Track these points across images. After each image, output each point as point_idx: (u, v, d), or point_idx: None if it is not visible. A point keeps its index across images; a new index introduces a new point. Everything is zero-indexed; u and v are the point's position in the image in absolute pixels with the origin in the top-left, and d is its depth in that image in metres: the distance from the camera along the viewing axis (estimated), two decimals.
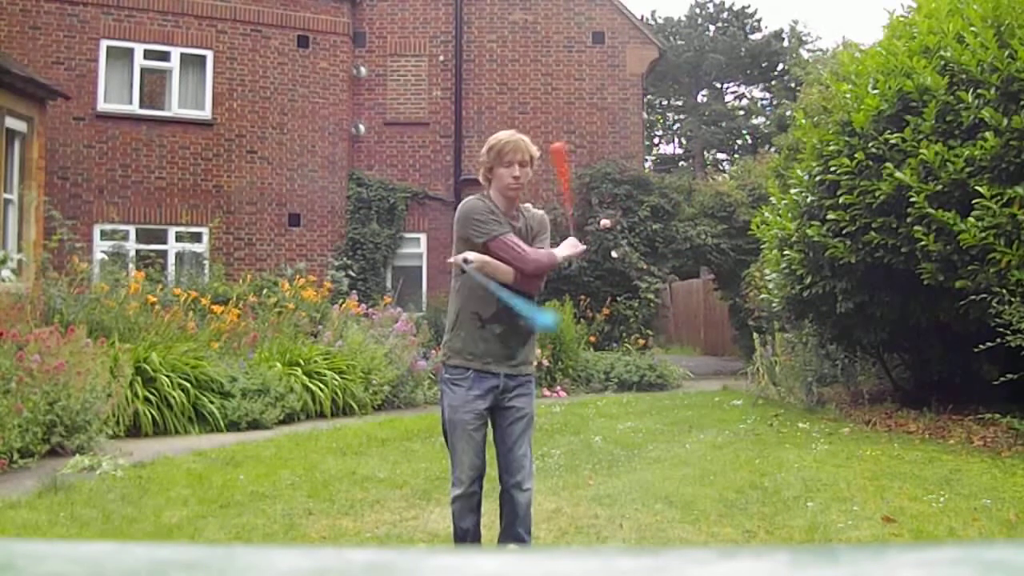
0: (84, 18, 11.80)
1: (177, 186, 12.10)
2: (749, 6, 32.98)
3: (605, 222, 12.72)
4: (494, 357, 3.16)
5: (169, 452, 6.07)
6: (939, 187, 6.38)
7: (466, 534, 3.26)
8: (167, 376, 7.19)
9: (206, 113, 12.31)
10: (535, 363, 3.37)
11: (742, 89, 34.56)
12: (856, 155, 7.06)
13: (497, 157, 3.16)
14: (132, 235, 11.82)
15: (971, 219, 6.12)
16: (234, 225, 12.32)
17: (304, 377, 8.22)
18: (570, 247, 3.33)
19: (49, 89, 10.21)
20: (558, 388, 10.63)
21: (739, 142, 33.49)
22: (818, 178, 7.67)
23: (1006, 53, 6.33)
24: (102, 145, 11.83)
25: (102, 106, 11.84)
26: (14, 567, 0.47)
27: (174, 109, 12.19)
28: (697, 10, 33.32)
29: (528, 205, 3.42)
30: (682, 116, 34.64)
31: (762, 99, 33.49)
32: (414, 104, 13.50)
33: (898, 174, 6.61)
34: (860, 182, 7.02)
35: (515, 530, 3.21)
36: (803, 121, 8.53)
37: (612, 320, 12.63)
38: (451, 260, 3.14)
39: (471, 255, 3.06)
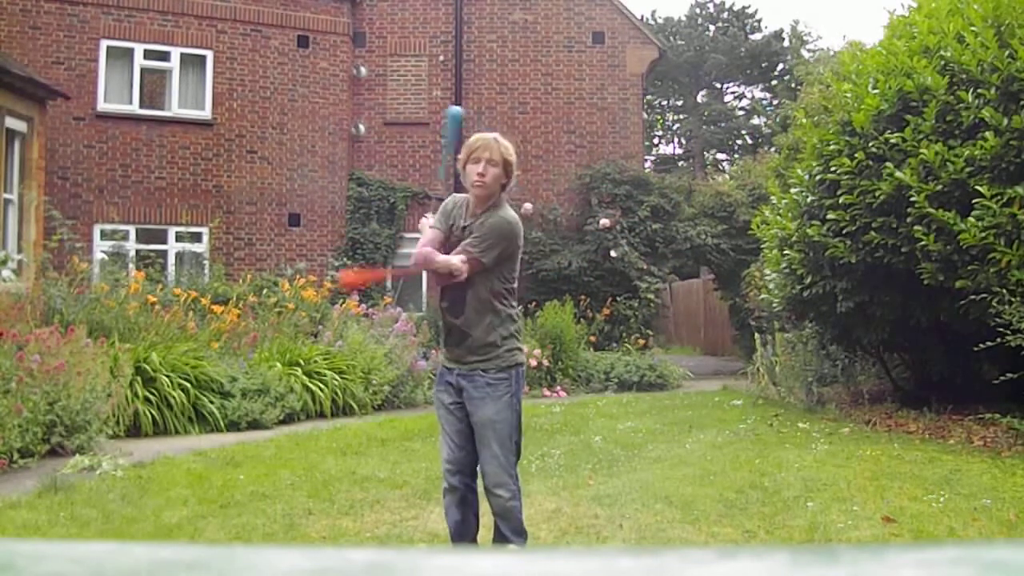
0: (84, 18, 11.80)
1: (177, 186, 12.10)
2: (749, 6, 32.97)
3: (604, 222, 12.72)
4: (446, 351, 3.34)
5: (169, 452, 6.07)
6: (939, 187, 6.38)
7: (454, 529, 3.29)
8: (167, 376, 7.19)
9: (206, 113, 12.31)
10: (494, 363, 3.20)
11: (742, 89, 34.57)
12: (856, 155, 7.05)
13: (467, 154, 3.19)
14: (132, 235, 11.81)
15: (971, 219, 6.12)
16: (234, 225, 12.32)
17: (304, 377, 8.22)
18: (451, 259, 3.15)
19: (49, 89, 10.22)
20: (558, 388, 10.64)
21: (739, 142, 33.48)
22: (818, 178, 7.67)
23: (1006, 53, 6.33)
24: (102, 145, 11.83)
25: (102, 106, 11.84)
26: (14, 567, 0.47)
27: (174, 109, 12.19)
28: (697, 10, 33.32)
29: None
30: (682, 116, 34.64)
31: (763, 99, 33.49)
32: (414, 104, 13.50)
33: (898, 174, 6.61)
34: (860, 182, 7.02)
35: (500, 532, 3.25)
36: (804, 121, 8.53)
37: (612, 320, 12.63)
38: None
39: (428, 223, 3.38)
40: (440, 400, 3.32)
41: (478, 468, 3.25)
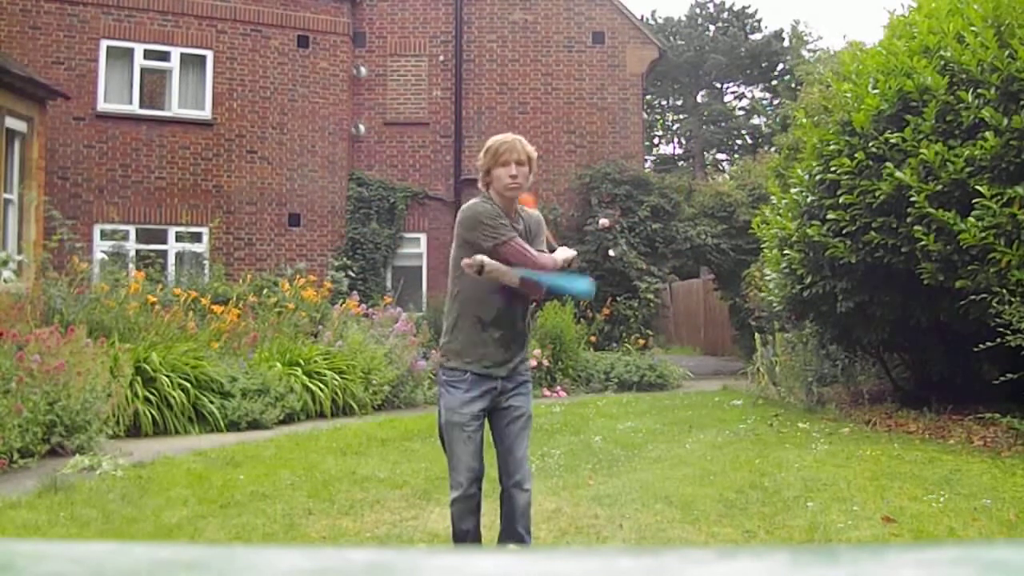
0: (84, 18, 11.80)
1: (177, 186, 12.10)
2: (749, 6, 32.98)
3: (604, 221, 12.73)
4: (493, 361, 3.16)
5: (169, 452, 6.07)
6: (939, 187, 6.38)
7: (466, 535, 3.26)
8: (167, 376, 7.19)
9: (206, 113, 12.31)
10: (530, 363, 3.40)
11: (742, 89, 34.58)
12: (856, 155, 7.05)
13: (494, 158, 3.12)
14: (132, 235, 11.82)
15: (971, 219, 6.12)
16: (234, 225, 12.32)
17: (304, 377, 8.22)
18: (565, 252, 3.31)
19: (49, 89, 10.22)
20: (558, 388, 10.64)
21: (739, 142, 33.49)
22: (818, 178, 7.67)
23: (1006, 53, 6.33)
24: (102, 145, 11.83)
25: (102, 106, 11.84)
26: (14, 567, 0.47)
27: (174, 109, 12.19)
28: (697, 10, 33.33)
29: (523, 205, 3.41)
30: (682, 116, 34.65)
31: (763, 99, 33.49)
32: (414, 104, 13.50)
33: (898, 174, 6.61)
34: (860, 182, 7.02)
35: (515, 530, 3.21)
36: (804, 121, 8.53)
37: (612, 320, 12.63)
38: (467, 262, 3.04)
39: (485, 259, 3.03)
40: (472, 411, 3.13)
41: (511, 466, 3.22)
